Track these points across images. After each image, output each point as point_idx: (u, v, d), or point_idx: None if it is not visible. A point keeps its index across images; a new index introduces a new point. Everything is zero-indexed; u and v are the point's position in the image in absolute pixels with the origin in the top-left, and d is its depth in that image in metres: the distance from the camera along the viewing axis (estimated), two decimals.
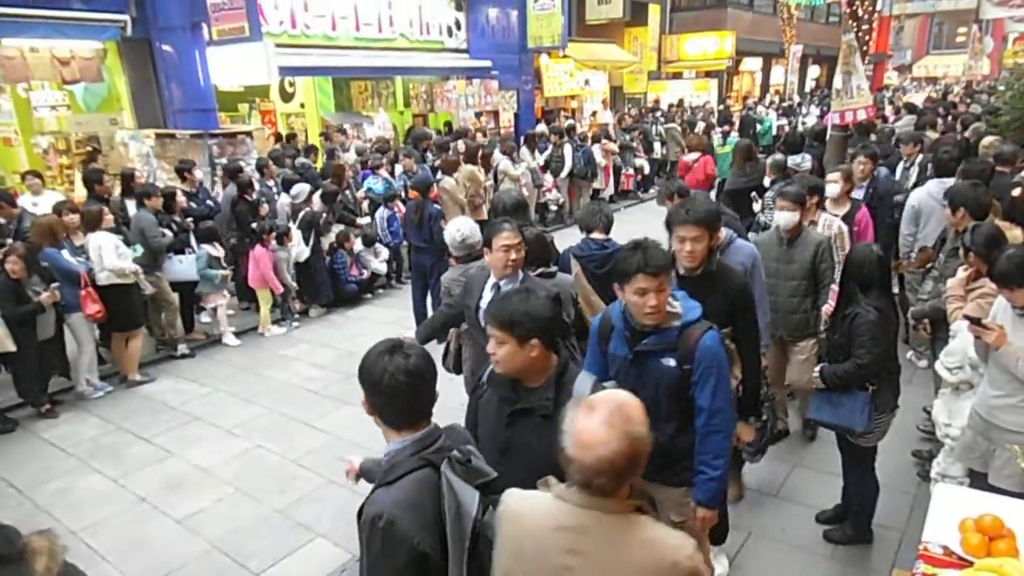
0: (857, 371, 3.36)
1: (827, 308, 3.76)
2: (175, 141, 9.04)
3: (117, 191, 7.44)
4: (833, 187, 5.19)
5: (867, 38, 8.92)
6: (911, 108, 13.93)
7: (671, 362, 2.58)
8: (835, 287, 3.69)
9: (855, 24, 8.61)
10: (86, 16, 8.95)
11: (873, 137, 9.14)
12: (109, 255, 5.91)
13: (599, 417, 1.50)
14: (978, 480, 3.23)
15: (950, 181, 5.26)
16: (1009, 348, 2.95)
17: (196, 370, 6.73)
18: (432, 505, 1.73)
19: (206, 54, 9.92)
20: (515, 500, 1.70)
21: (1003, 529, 2.38)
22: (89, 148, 9.51)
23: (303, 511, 4.36)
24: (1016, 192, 4.50)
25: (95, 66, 9.46)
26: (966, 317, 3.19)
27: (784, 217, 4.23)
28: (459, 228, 4.33)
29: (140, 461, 5.08)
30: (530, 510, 1.66)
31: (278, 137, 11.80)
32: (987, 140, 6.76)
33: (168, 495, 4.61)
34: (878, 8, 10.61)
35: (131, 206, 7.06)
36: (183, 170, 7.69)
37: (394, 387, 1.78)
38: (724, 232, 3.44)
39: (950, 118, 11.70)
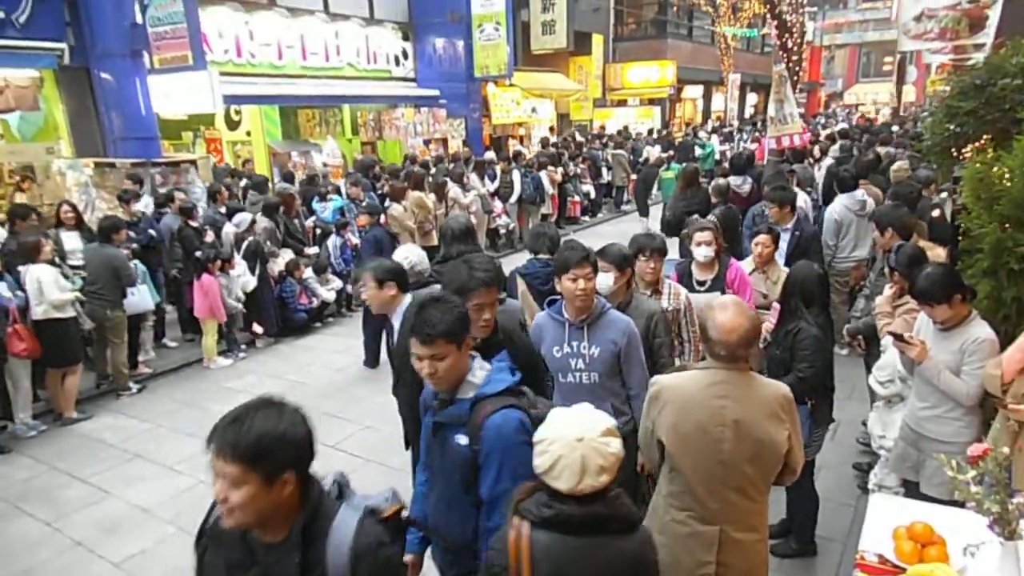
0: (799, 384, 3.46)
1: (767, 325, 3.87)
2: (115, 170, 8.81)
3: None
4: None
5: (797, 68, 9.36)
6: (844, 134, 14.60)
7: (463, 440, 2.22)
8: (776, 304, 3.80)
9: (785, 55, 9.03)
10: (21, 44, 8.74)
11: (807, 162, 9.55)
12: (50, 288, 5.70)
13: (732, 310, 2.33)
14: (911, 489, 3.36)
15: (859, 193, 6.34)
16: (931, 362, 3.11)
17: (136, 406, 6.50)
18: None
19: (147, 82, 9.76)
20: (669, 379, 2.50)
21: (933, 536, 2.48)
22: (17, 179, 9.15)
23: None
24: (936, 213, 4.76)
25: (31, 94, 9.22)
26: (890, 333, 3.35)
27: (601, 281, 3.36)
28: (407, 256, 4.34)
29: (75, 503, 4.86)
30: (686, 379, 2.45)
31: (232, 172, 11.59)
32: (897, 165, 7.21)
33: (105, 538, 4.42)
34: (808, 39, 11.17)
35: (67, 239, 6.82)
36: (124, 200, 7.51)
37: None
38: (598, 301, 3.18)
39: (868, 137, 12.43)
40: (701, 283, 4.33)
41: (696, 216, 6.16)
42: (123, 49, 9.47)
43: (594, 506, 1.80)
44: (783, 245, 5.47)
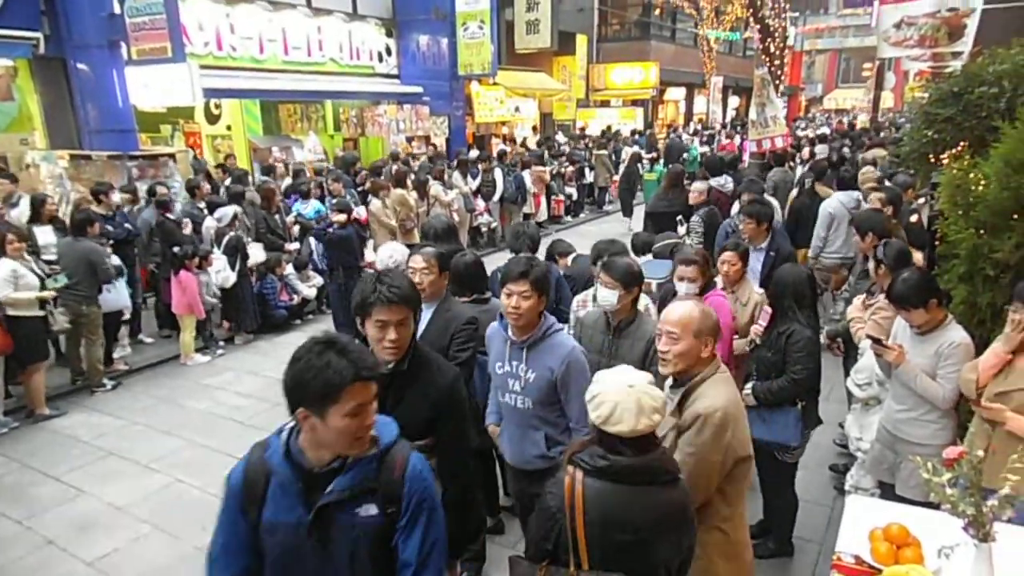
0: (792, 387, 3.48)
1: (756, 328, 3.88)
2: (91, 163, 8.66)
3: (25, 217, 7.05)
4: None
5: (779, 72, 9.44)
6: (823, 139, 14.79)
7: (372, 510, 1.81)
8: (767, 308, 3.80)
9: (767, 59, 9.10)
10: None
11: (788, 166, 9.65)
12: (2, 285, 5.55)
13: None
14: (887, 491, 3.40)
15: (856, 193, 6.56)
16: (908, 365, 3.15)
17: (111, 402, 6.40)
18: None
19: (124, 74, 9.59)
20: (721, 400, 2.39)
21: (909, 537, 2.51)
22: None
23: None
24: (914, 218, 4.83)
25: (4, 84, 9.02)
26: (868, 337, 3.39)
27: (605, 296, 3.24)
28: (391, 255, 4.32)
29: (47, 501, 4.77)
30: (722, 386, 2.47)
31: (218, 166, 11.43)
32: (866, 169, 7.35)
33: (78, 536, 4.35)
34: (789, 44, 11.27)
35: (40, 233, 6.69)
36: (99, 193, 7.37)
37: None
38: (545, 321, 2.96)
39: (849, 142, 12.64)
40: None
41: (684, 239, 6.09)
42: (100, 40, 9.28)
43: (645, 457, 2.02)
44: (757, 265, 5.05)
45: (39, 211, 6.86)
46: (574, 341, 3.03)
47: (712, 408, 2.34)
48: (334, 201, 8.72)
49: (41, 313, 5.81)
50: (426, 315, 3.23)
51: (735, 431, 2.37)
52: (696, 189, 7.28)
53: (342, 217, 7.38)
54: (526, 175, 12.69)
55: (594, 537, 2.01)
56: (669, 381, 2.58)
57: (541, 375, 2.91)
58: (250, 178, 10.65)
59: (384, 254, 4.37)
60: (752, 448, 2.47)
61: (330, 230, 7.45)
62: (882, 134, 15.50)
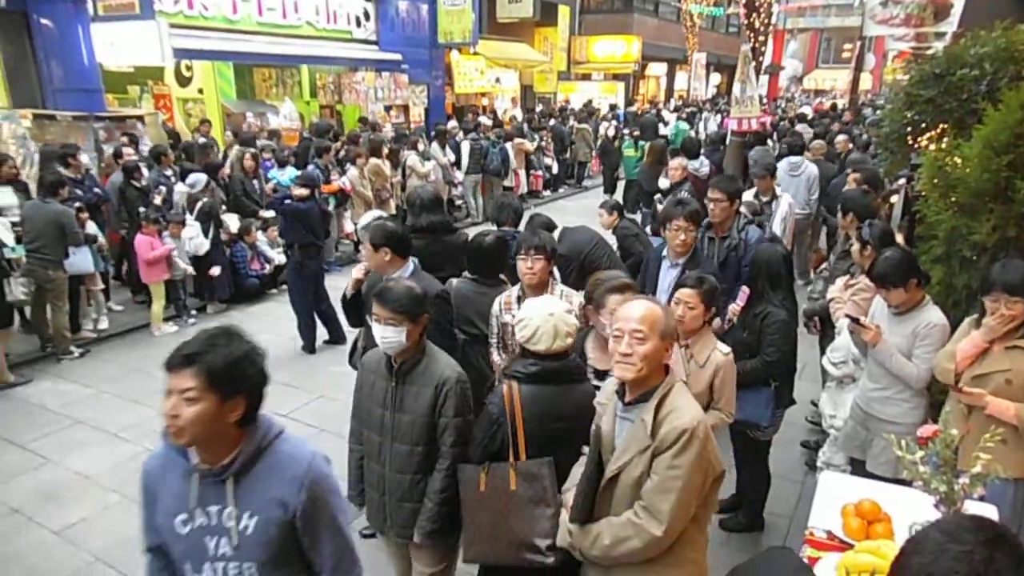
0: (765, 368, 3.50)
1: (734, 307, 3.87)
2: (55, 123, 8.36)
3: None
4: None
5: (763, 49, 9.38)
6: (802, 118, 14.83)
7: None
8: (744, 288, 3.80)
9: (751, 35, 9.02)
10: None
11: (769, 144, 9.68)
12: None
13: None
14: (858, 467, 3.45)
15: (796, 159, 7.80)
16: (884, 345, 3.18)
17: (79, 370, 6.26)
18: None
19: (90, 30, 9.24)
20: (693, 411, 2.14)
21: (880, 513, 2.55)
22: None
23: None
24: (894, 199, 4.85)
25: None
26: (847, 316, 3.41)
27: (384, 336, 2.58)
28: (377, 219, 4.25)
29: (12, 469, 4.67)
30: (689, 396, 2.25)
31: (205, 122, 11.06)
32: (817, 143, 8.80)
33: (44, 505, 4.27)
34: (773, 22, 11.21)
35: (0, 194, 6.47)
36: (67, 155, 7.12)
37: None
38: (262, 427, 1.86)
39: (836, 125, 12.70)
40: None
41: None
42: None
43: (564, 361, 2.55)
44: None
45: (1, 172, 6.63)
46: (308, 447, 1.86)
47: (695, 420, 2.05)
48: (299, 173, 8.46)
49: None
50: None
51: (712, 444, 2.11)
52: (673, 166, 7.27)
53: (303, 191, 6.88)
54: (510, 147, 12.56)
55: (533, 432, 2.45)
56: (613, 401, 2.23)
57: (266, 518, 1.76)
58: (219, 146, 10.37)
59: (367, 219, 4.32)
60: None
61: (288, 202, 6.81)
62: (860, 114, 15.63)
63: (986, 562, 1.06)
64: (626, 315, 2.15)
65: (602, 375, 2.80)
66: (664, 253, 4.16)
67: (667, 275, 4.08)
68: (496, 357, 3.56)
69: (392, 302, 2.51)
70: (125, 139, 8.45)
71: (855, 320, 3.29)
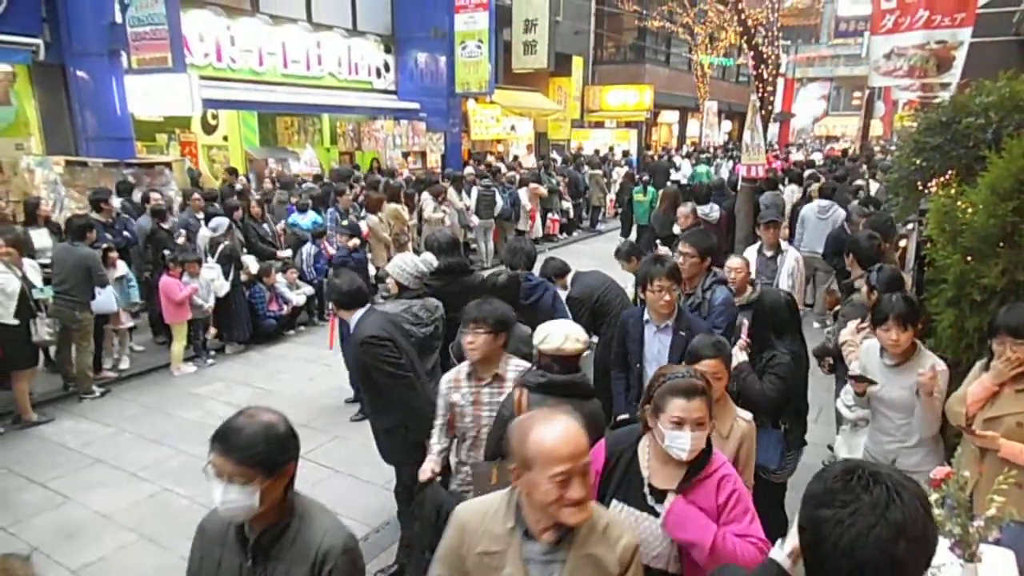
0: (762, 400, 3.50)
1: (741, 343, 3.90)
2: (87, 169, 8.67)
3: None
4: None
5: (771, 98, 9.58)
6: (810, 164, 15.03)
7: None
8: (745, 321, 3.83)
9: (760, 85, 9.23)
10: None
11: (780, 188, 9.81)
12: None
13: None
14: None
15: (825, 203, 8.27)
16: (933, 400, 3.06)
17: (100, 409, 6.36)
18: None
19: (124, 82, 9.64)
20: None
21: None
22: None
23: None
24: (903, 243, 4.90)
25: (2, 89, 9.05)
26: (849, 377, 3.44)
27: (227, 500, 1.81)
28: (419, 262, 4.38)
29: (33, 507, 4.73)
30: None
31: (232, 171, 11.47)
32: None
33: (64, 544, 4.31)
34: (782, 71, 11.44)
35: (36, 236, 6.69)
36: (99, 200, 7.36)
37: None
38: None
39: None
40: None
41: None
42: (101, 48, 9.35)
43: (570, 375, 2.80)
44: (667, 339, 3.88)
45: (34, 214, 6.87)
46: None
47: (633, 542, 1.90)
48: (344, 224, 8.69)
49: (15, 322, 5.60)
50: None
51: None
52: (682, 213, 7.37)
53: (355, 242, 6.95)
54: (523, 193, 12.78)
55: None
56: (516, 547, 1.82)
57: None
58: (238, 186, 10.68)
59: (409, 260, 4.46)
60: None
61: (352, 258, 7.02)
62: (872, 159, 15.78)
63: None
64: (563, 454, 1.69)
65: (660, 495, 2.23)
66: (646, 317, 3.76)
67: (655, 341, 3.72)
68: (435, 440, 3.24)
69: (239, 451, 1.73)
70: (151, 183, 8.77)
71: (858, 378, 3.31)
